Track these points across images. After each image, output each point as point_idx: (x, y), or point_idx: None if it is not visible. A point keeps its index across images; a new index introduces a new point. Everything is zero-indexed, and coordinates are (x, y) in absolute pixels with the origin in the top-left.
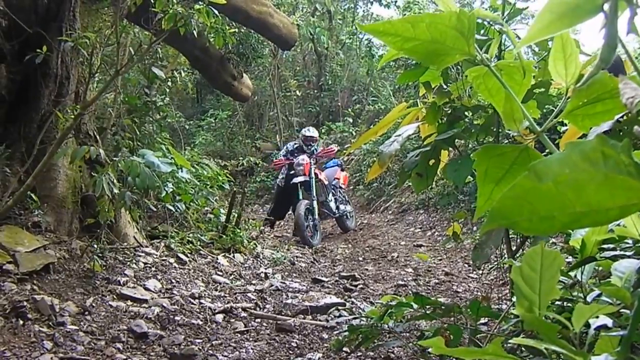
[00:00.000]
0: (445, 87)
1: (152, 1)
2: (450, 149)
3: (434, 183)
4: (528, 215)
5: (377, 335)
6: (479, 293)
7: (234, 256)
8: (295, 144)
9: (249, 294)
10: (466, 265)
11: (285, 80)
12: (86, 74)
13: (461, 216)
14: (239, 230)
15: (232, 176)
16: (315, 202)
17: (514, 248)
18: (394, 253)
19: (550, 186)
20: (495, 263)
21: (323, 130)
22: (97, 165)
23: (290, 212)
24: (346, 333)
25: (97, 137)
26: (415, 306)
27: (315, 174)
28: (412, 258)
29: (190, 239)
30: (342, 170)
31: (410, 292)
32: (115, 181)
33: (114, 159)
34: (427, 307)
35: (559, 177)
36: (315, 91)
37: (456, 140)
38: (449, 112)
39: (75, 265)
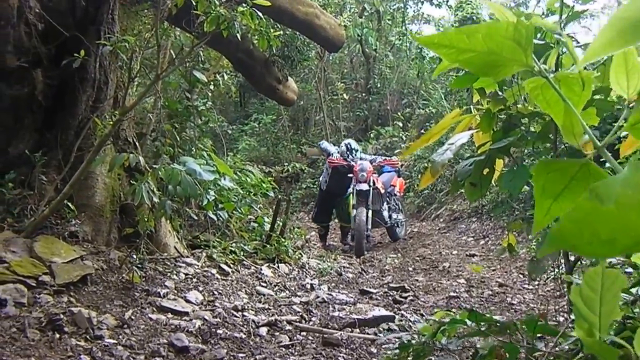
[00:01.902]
0: (500, 93)
1: (194, 3)
2: (505, 157)
3: (487, 192)
4: (589, 239)
5: (430, 352)
6: (534, 305)
7: (278, 267)
8: (339, 151)
9: (294, 306)
10: (521, 275)
11: (332, 83)
12: (125, 79)
13: (517, 227)
14: (283, 240)
15: (276, 183)
16: (370, 212)
17: (571, 259)
18: (446, 263)
19: (612, 208)
20: (552, 274)
21: (372, 135)
22: (136, 173)
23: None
24: (397, 350)
25: (137, 143)
26: (469, 323)
27: (374, 181)
28: (465, 268)
29: (233, 249)
30: (399, 176)
31: (462, 304)
32: (155, 190)
33: (154, 166)
34: (482, 324)
35: (621, 199)
36: (363, 94)
37: (511, 148)
38: (504, 119)
39: (113, 276)
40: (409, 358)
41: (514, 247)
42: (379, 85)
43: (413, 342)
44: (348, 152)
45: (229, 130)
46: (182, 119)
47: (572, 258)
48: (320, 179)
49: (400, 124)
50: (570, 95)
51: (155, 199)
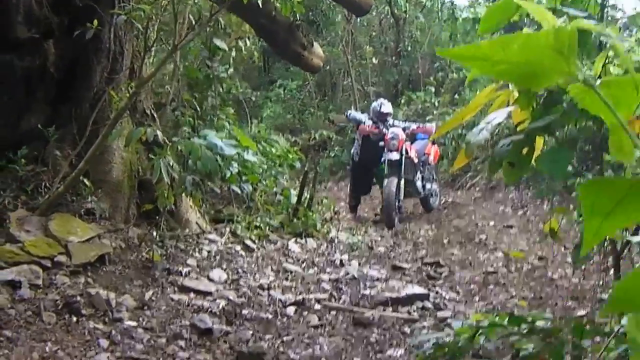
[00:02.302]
0: None
1: None
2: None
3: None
4: None
5: (467, 351)
6: (576, 281)
7: (306, 241)
8: (369, 118)
9: (323, 284)
10: (562, 248)
11: (360, 47)
12: (141, 48)
13: (561, 211)
14: (311, 213)
15: (303, 152)
16: (402, 182)
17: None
18: (482, 235)
19: None
20: (594, 248)
21: (402, 101)
22: (155, 147)
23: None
24: (431, 350)
25: (155, 115)
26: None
27: (406, 150)
28: (502, 240)
29: (257, 224)
30: (434, 143)
31: (500, 280)
32: (174, 164)
33: (173, 139)
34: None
35: None
36: (393, 58)
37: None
38: (545, 95)
39: (132, 255)
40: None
41: (556, 232)
42: (409, 49)
43: (448, 340)
44: (379, 116)
45: (253, 97)
46: (202, 88)
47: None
48: (352, 149)
49: (433, 89)
50: (621, 103)
51: (175, 174)
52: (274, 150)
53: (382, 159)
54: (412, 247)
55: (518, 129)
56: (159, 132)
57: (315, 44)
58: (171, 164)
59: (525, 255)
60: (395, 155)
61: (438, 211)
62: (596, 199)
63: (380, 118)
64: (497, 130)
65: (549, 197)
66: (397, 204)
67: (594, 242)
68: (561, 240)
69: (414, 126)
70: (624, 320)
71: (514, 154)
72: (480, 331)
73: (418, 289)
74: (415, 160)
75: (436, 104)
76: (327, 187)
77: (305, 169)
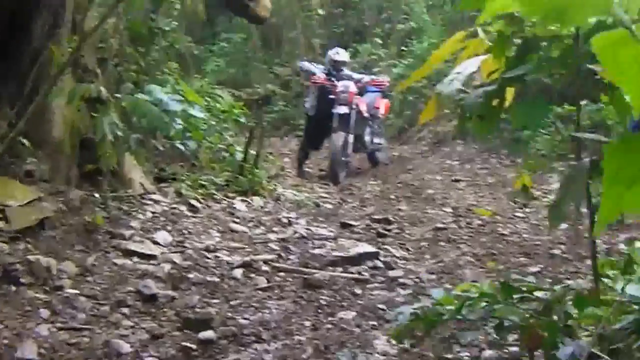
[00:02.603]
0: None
1: None
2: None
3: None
4: None
5: (445, 323)
6: (527, 235)
7: (252, 200)
8: (325, 69)
9: (271, 244)
10: (511, 203)
11: None
12: (84, 1)
13: (532, 167)
14: (257, 170)
15: (247, 106)
16: (351, 137)
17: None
18: (430, 190)
19: None
20: (545, 200)
21: (349, 54)
22: (98, 105)
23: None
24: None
25: (97, 71)
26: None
27: (357, 104)
28: (450, 195)
29: (202, 182)
30: (385, 97)
31: (450, 236)
32: (118, 122)
33: (117, 95)
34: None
35: None
36: (340, 9)
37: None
38: (519, 44)
39: (73, 218)
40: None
41: (529, 189)
42: None
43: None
44: (334, 65)
45: (196, 51)
46: (146, 42)
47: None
48: (306, 104)
49: (379, 41)
50: None
51: (119, 133)
52: (218, 105)
53: (333, 109)
54: (359, 203)
55: (488, 79)
56: (103, 89)
57: None
58: (115, 121)
59: (473, 209)
60: (344, 109)
61: (384, 166)
62: (622, 164)
63: (335, 67)
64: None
65: (496, 151)
66: (344, 159)
67: (613, 214)
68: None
69: (367, 79)
70: (629, 289)
71: (485, 106)
72: (467, 302)
73: (368, 248)
74: (365, 115)
75: (383, 55)
76: (271, 143)
77: (252, 125)
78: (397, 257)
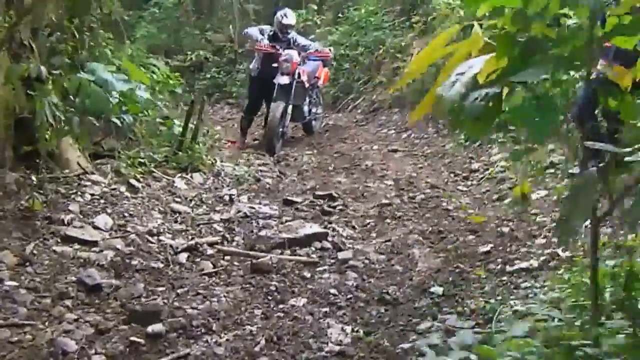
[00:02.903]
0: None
1: None
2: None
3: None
4: None
5: None
6: (473, 211)
7: (192, 176)
8: (270, 31)
9: (215, 225)
10: (452, 175)
11: None
12: None
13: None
14: (197, 146)
15: (179, 73)
16: (290, 107)
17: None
18: (367, 161)
19: None
20: (486, 173)
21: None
22: (34, 82)
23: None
24: None
25: (33, 46)
26: None
27: (299, 74)
28: (389, 166)
29: (141, 159)
30: (325, 65)
31: (395, 212)
32: (59, 103)
33: (55, 72)
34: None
35: None
36: None
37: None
38: (524, 42)
39: (10, 204)
40: None
41: (527, 195)
42: None
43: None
44: (281, 28)
45: (126, 16)
46: (80, 11)
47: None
48: (251, 65)
49: (315, 7)
50: None
51: (58, 114)
52: (154, 76)
53: (274, 79)
54: (298, 177)
55: (486, 80)
56: (42, 69)
57: None
58: (54, 102)
59: (415, 182)
60: (285, 79)
61: (319, 134)
62: None
63: (282, 30)
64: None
65: (433, 121)
66: (280, 129)
67: None
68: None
69: (311, 49)
70: None
71: (487, 109)
72: None
73: (316, 228)
74: (307, 85)
75: (318, 22)
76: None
77: (192, 99)
78: (344, 237)
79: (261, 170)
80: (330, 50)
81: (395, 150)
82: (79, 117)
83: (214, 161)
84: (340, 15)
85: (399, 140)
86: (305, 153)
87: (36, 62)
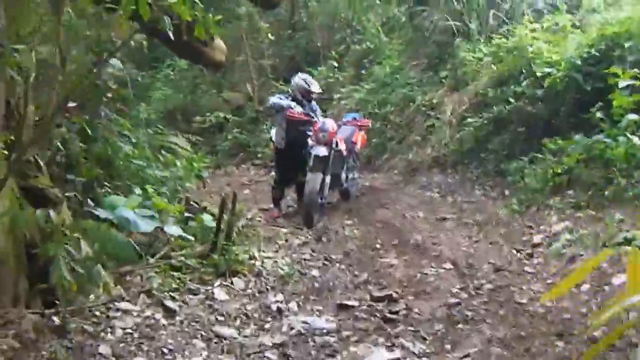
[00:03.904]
0: None
1: None
2: None
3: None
4: None
5: None
6: (550, 303)
7: (232, 282)
8: (289, 96)
9: (268, 353)
10: (513, 251)
11: (252, 17)
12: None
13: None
14: (234, 248)
15: (199, 134)
16: (328, 177)
17: None
18: (416, 234)
19: None
20: (554, 246)
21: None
22: (49, 225)
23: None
24: None
25: (40, 163)
26: None
27: (337, 142)
28: (440, 240)
29: (174, 268)
30: (360, 129)
31: (466, 312)
32: (74, 250)
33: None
34: None
35: None
36: (289, 31)
37: None
38: None
39: (29, 357)
40: None
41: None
42: (305, 20)
43: None
44: (306, 95)
45: (139, 77)
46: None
47: None
48: (273, 136)
49: (335, 63)
50: None
51: (77, 267)
52: (178, 163)
53: (309, 148)
54: (345, 260)
55: None
56: (52, 214)
57: (215, 37)
58: (70, 253)
59: (476, 263)
60: (323, 151)
61: (356, 198)
62: None
63: (306, 96)
64: None
65: (479, 182)
66: (319, 201)
67: None
68: (511, 242)
69: (350, 117)
70: None
71: None
72: None
73: (385, 354)
74: (345, 153)
75: (340, 78)
76: (228, 172)
77: (223, 196)
78: (416, 355)
79: (304, 259)
80: (369, 121)
81: (445, 219)
82: (100, 265)
83: (252, 256)
84: (364, 72)
85: (445, 204)
86: (345, 224)
87: (46, 181)
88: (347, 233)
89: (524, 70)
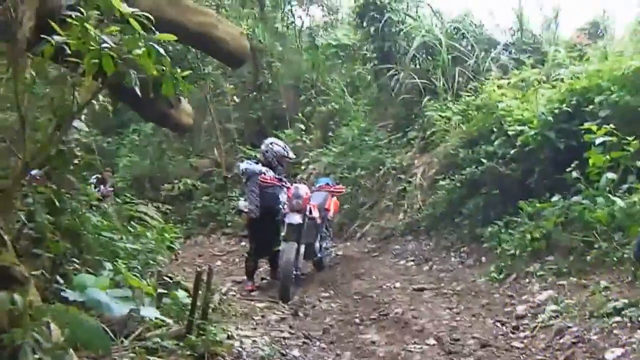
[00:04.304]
0: None
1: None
2: None
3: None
4: None
5: None
6: None
7: None
8: (257, 162)
9: None
10: (497, 324)
11: (216, 80)
12: None
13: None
14: (211, 327)
15: (168, 203)
16: (303, 247)
17: None
18: (395, 306)
19: None
20: (538, 320)
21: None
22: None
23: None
24: None
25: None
26: None
27: (310, 209)
28: (421, 312)
29: (151, 348)
30: (333, 195)
31: None
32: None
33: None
34: None
35: None
36: (255, 93)
37: None
38: None
39: None
40: None
41: None
42: (270, 82)
43: None
44: (280, 160)
45: (105, 144)
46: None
47: None
48: (244, 207)
49: (302, 125)
50: None
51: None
52: (149, 234)
53: (282, 216)
54: (324, 338)
55: None
56: (17, 297)
57: (182, 99)
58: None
59: (462, 339)
60: (297, 218)
61: (330, 268)
62: None
63: (281, 163)
64: None
65: (454, 249)
66: (294, 272)
67: None
68: (494, 314)
69: (323, 183)
70: None
71: None
72: None
73: None
74: (318, 222)
75: (308, 141)
76: (198, 242)
77: (198, 272)
78: None
79: (284, 337)
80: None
81: (422, 289)
82: (72, 352)
83: (230, 335)
84: (330, 134)
85: (421, 273)
86: (321, 296)
87: (11, 257)
88: (325, 307)
89: (494, 129)
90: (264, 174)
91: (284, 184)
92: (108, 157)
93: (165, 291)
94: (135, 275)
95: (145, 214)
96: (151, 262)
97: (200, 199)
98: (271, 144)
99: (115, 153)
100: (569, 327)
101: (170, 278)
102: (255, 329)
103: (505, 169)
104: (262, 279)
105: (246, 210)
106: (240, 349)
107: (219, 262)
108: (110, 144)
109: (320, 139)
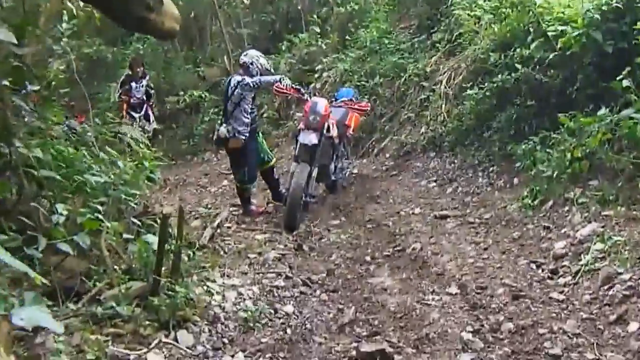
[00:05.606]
0: None
1: None
2: None
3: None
4: None
5: None
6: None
7: (176, 337)
8: (242, 74)
9: None
10: (532, 266)
11: None
12: None
13: None
14: (186, 282)
15: (172, 116)
16: (316, 170)
17: None
18: (413, 239)
19: None
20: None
21: (283, 47)
22: None
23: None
24: None
25: None
26: None
27: (329, 127)
28: (444, 248)
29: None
30: (354, 109)
31: None
32: None
33: None
34: None
35: None
36: None
37: None
38: None
39: None
40: None
41: None
42: None
43: None
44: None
45: (109, 54)
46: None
47: None
48: (225, 130)
49: (317, 29)
50: None
51: None
52: (121, 164)
53: (296, 134)
54: (325, 279)
55: None
56: None
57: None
58: None
59: (489, 287)
60: (312, 139)
61: (344, 189)
62: None
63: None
64: None
65: (482, 168)
66: (303, 199)
67: None
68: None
69: (346, 97)
70: None
71: None
72: None
73: None
74: (336, 141)
75: (324, 46)
76: (206, 159)
77: (163, 214)
78: None
79: (277, 287)
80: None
81: (445, 217)
82: None
83: (209, 289)
84: (348, 37)
85: (444, 196)
86: (330, 225)
87: None
88: (333, 238)
89: (531, 30)
90: (280, 82)
91: (302, 95)
92: (112, 68)
93: (132, 237)
94: (97, 216)
95: (124, 133)
96: (124, 197)
97: (207, 112)
98: (256, 56)
99: (119, 64)
100: (619, 273)
101: (142, 216)
102: (246, 273)
103: (543, 76)
104: (268, 202)
105: (230, 135)
106: (218, 310)
107: (225, 182)
108: (116, 53)
109: (337, 44)
